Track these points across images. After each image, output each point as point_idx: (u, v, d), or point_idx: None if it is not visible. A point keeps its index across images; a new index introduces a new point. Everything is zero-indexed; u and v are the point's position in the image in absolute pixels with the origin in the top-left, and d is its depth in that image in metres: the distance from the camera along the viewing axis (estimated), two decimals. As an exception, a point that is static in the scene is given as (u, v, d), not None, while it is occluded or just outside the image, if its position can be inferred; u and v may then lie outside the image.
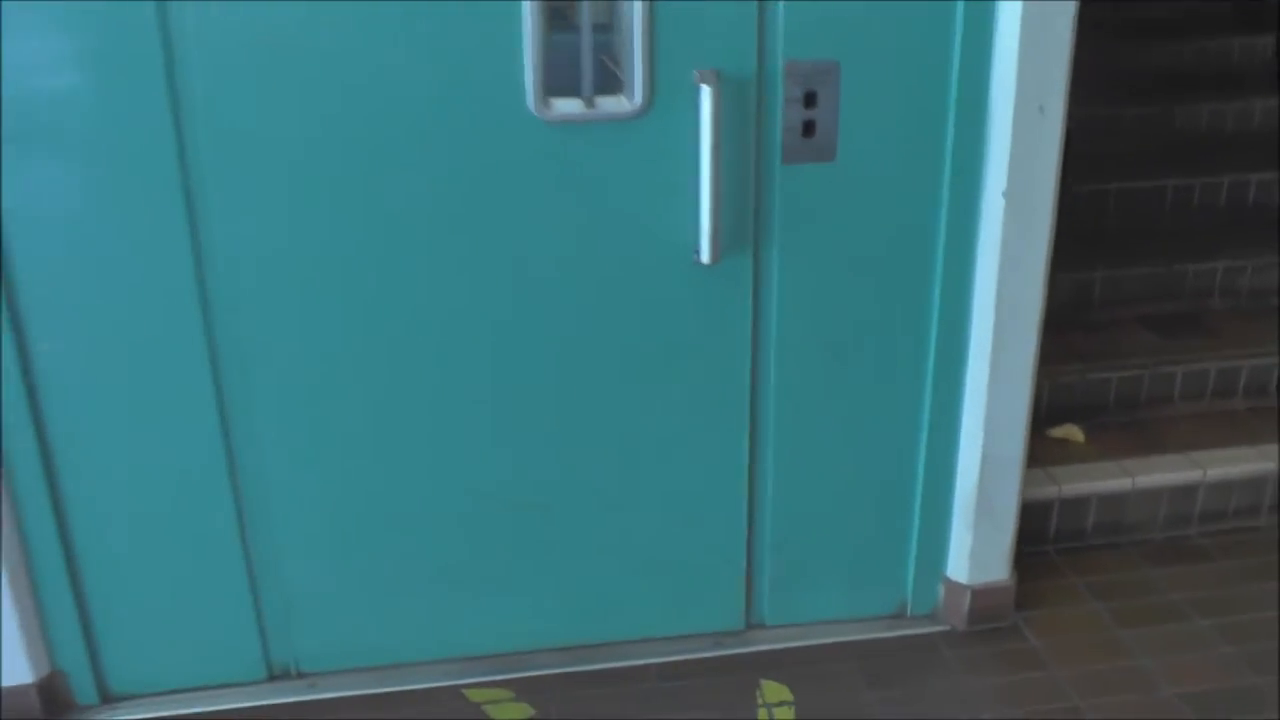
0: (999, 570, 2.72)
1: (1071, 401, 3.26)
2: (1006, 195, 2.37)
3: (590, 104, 2.21)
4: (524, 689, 2.58)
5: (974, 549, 2.66)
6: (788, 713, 2.51)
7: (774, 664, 2.66)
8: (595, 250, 2.33)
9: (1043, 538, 3.02)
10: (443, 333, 2.36)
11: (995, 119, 2.33)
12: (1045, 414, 3.21)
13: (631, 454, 2.52)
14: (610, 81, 2.21)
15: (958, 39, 2.28)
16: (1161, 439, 3.20)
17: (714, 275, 2.35)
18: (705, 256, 2.29)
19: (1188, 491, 3.06)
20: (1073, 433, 3.21)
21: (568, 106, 2.21)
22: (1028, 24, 2.25)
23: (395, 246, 2.28)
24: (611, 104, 2.22)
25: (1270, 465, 3.08)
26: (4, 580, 2.32)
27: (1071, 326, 3.42)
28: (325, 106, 2.16)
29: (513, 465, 2.49)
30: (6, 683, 2.41)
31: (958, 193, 2.39)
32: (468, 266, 2.32)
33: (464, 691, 2.57)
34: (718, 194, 2.24)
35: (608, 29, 2.18)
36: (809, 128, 2.29)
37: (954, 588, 2.72)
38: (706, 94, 2.17)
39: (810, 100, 2.26)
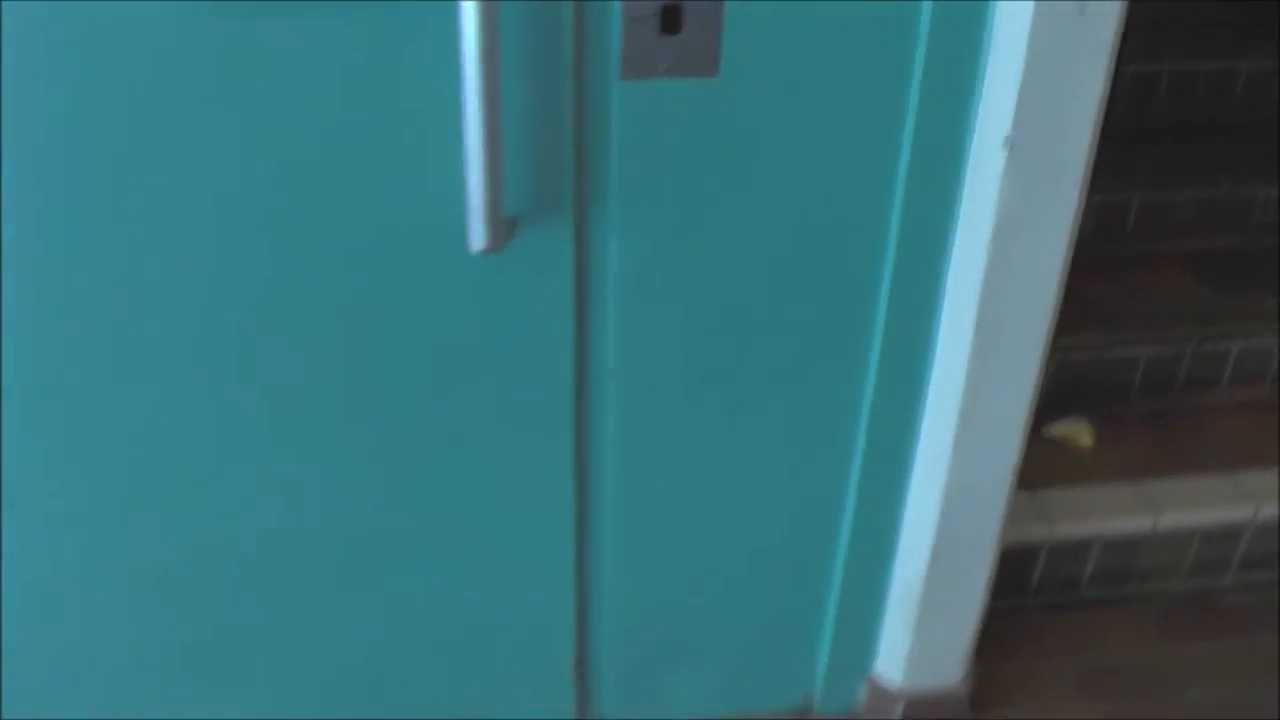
0: (948, 673, 1.86)
1: (1081, 382, 2.35)
2: (1010, 145, 1.39)
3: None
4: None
5: (913, 652, 1.80)
6: None
7: (613, 788, 1.85)
8: (316, 233, 1.36)
9: (1022, 588, 2.16)
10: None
11: (1002, 18, 1.33)
12: (1043, 400, 2.30)
13: (386, 515, 1.62)
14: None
15: None
16: (1198, 445, 2.31)
17: (506, 267, 1.40)
18: (477, 241, 1.32)
19: (1228, 533, 2.19)
20: (1078, 432, 2.30)
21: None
22: None
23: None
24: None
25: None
26: None
27: (1091, 268, 2.42)
28: None
29: (218, 532, 1.60)
30: None
31: (928, 139, 1.40)
32: (124, 255, 1.35)
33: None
34: (494, 137, 1.25)
35: None
36: (671, 18, 1.29)
37: (881, 692, 1.87)
38: (464, -43, 1.16)
39: (671, -28, 1.26)
